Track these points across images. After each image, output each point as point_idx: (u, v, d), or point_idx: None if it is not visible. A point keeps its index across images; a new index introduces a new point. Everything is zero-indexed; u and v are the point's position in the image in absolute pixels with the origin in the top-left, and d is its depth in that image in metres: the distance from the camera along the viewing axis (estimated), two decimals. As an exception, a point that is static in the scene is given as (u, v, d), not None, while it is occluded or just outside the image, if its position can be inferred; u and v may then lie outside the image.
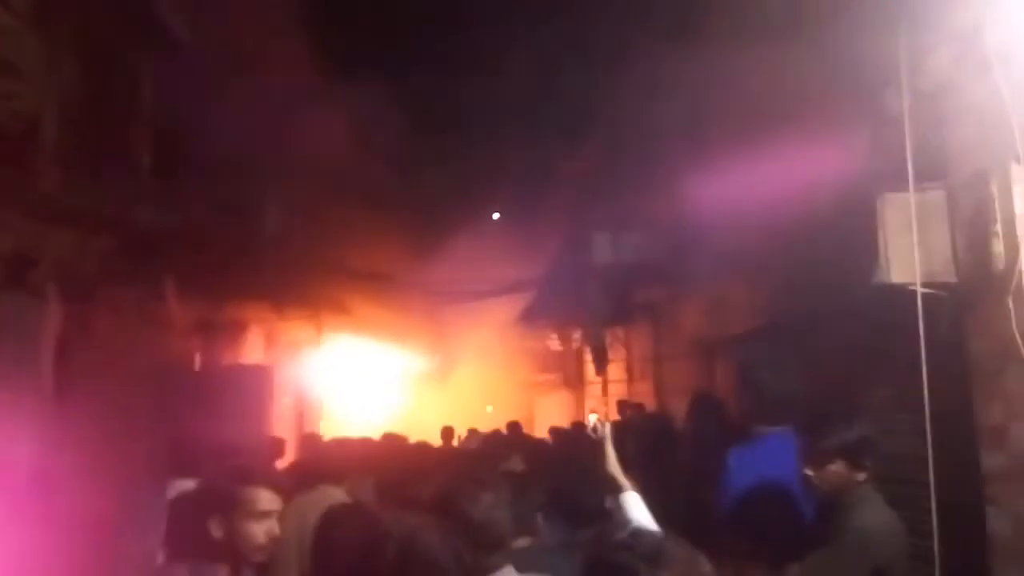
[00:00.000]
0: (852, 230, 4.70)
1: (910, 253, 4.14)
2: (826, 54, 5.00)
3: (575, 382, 17.48)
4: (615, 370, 14.02)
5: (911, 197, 4.20)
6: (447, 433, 11.63)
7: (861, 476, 3.40)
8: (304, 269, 12.67)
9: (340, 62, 12.73)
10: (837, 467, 3.38)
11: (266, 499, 2.91)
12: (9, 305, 7.65)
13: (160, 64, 9.42)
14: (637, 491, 3.91)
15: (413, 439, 10.33)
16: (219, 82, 9.85)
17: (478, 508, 2.88)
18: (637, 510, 3.57)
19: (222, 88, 9.92)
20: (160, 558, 3.87)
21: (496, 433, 9.63)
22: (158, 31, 9.38)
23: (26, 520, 5.06)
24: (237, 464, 3.16)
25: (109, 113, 8.53)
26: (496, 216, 19.23)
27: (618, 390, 13.95)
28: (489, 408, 17.74)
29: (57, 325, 7.76)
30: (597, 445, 3.95)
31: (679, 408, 9.11)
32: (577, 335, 15.72)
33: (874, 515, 3.33)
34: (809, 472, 3.44)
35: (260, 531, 2.87)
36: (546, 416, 15.19)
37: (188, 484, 4.32)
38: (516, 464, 5.90)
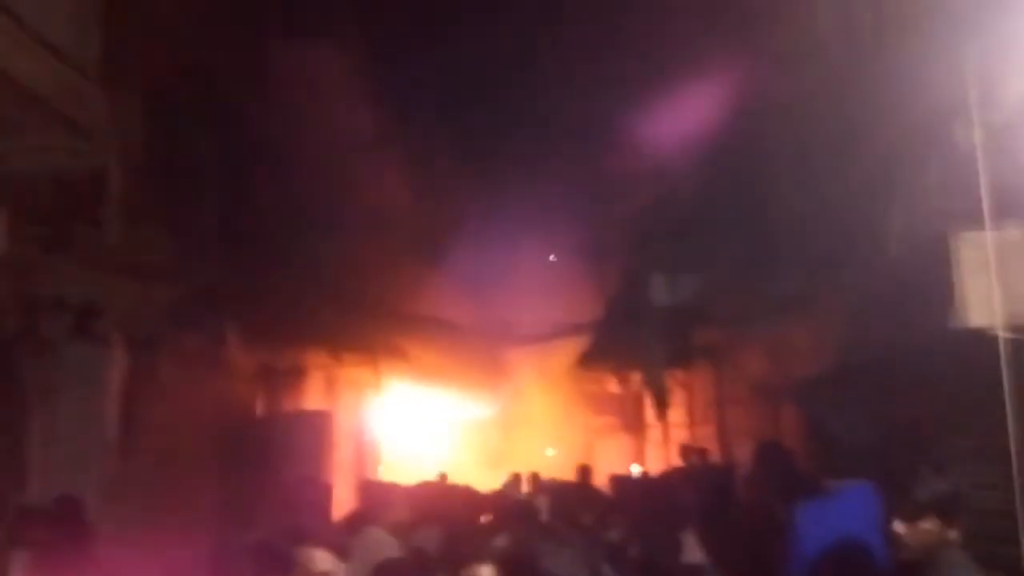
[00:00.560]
0: (923, 270, 4.50)
1: (989, 295, 3.92)
2: (891, 85, 4.84)
3: (635, 426, 17.16)
4: (676, 414, 13.73)
5: (988, 236, 4.00)
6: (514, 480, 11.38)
7: (953, 535, 3.09)
8: (362, 315, 12.78)
9: (395, 110, 12.93)
10: (930, 524, 3.05)
11: (320, 559, 2.87)
12: (77, 354, 7.86)
13: (222, 119, 9.69)
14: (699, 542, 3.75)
15: (474, 484, 10.23)
16: (278, 134, 10.09)
17: (558, 564, 2.81)
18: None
19: (282, 140, 10.17)
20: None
21: (567, 483, 9.46)
22: (220, 88, 9.65)
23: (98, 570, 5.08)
24: (293, 523, 3.13)
25: (172, 167, 8.77)
26: (553, 258, 19.17)
27: (679, 434, 13.65)
28: (550, 451, 17.50)
29: (123, 373, 7.93)
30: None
31: (742, 454, 8.84)
32: (636, 378, 15.47)
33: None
34: (900, 529, 3.10)
35: None
36: (605, 460, 14.88)
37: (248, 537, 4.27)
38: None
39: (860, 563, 3.49)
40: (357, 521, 5.15)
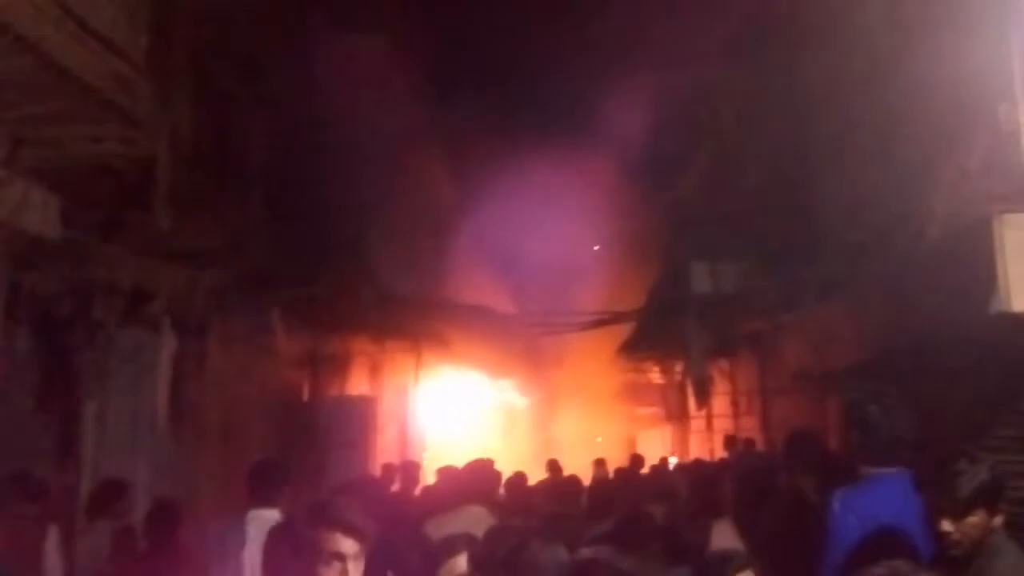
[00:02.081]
0: (965, 253, 4.41)
1: (1032, 279, 3.84)
2: (936, 68, 4.74)
3: (677, 415, 17.05)
4: (719, 404, 13.62)
5: (1032, 219, 3.92)
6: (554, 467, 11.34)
7: (999, 521, 3.05)
8: (406, 303, 12.90)
9: (441, 100, 13.02)
10: (977, 517, 3.00)
11: (340, 542, 2.85)
12: (128, 338, 8.08)
13: (270, 107, 9.86)
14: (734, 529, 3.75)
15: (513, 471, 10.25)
16: (325, 122, 10.24)
17: None
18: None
19: (328, 128, 10.31)
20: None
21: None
22: (267, 76, 9.81)
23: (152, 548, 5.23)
24: (316, 503, 3.16)
25: (221, 154, 8.95)
26: (596, 248, 19.14)
27: (722, 424, 13.54)
28: (599, 439, 17.49)
29: (173, 358, 8.13)
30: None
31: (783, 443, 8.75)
32: (679, 368, 15.37)
33: (1016, 566, 2.97)
34: (948, 527, 3.05)
35: (331, 573, 2.83)
36: (648, 450, 14.82)
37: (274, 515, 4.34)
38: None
39: (902, 547, 3.43)
40: (454, 499, 5.20)
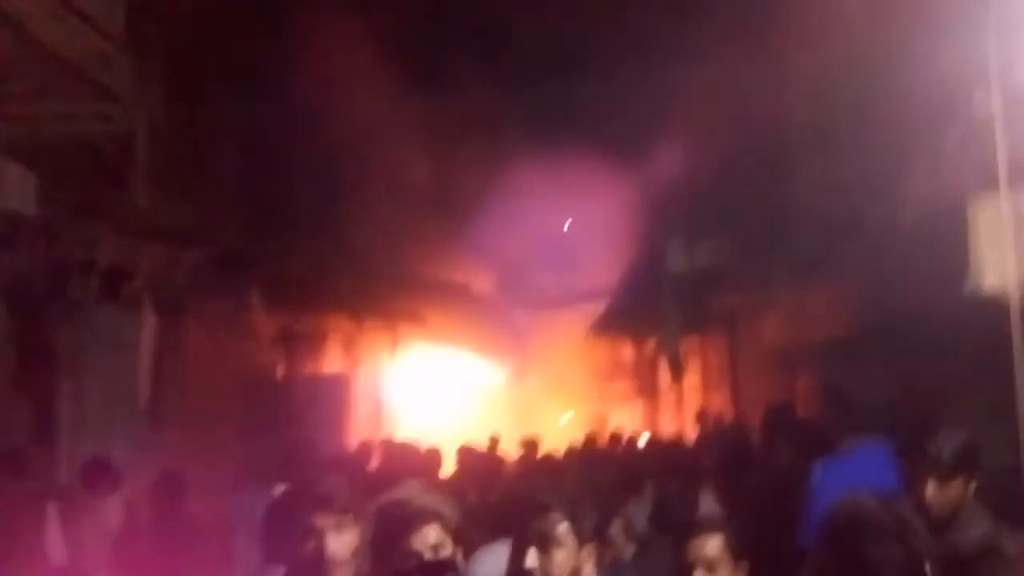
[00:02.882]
0: (940, 235, 4.58)
1: (1004, 260, 4.01)
2: (913, 56, 4.88)
3: (650, 391, 17.28)
4: (690, 380, 13.83)
5: (1004, 203, 4.08)
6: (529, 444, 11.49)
7: (974, 487, 3.15)
8: (381, 281, 12.91)
9: (418, 78, 12.97)
10: (957, 482, 3.12)
11: (315, 517, 2.91)
12: (105, 316, 8.04)
13: (246, 84, 9.77)
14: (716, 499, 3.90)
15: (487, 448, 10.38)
16: (303, 100, 10.17)
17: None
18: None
19: (306, 106, 10.25)
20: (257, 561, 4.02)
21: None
22: (244, 54, 9.72)
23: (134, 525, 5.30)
24: (310, 486, 3.21)
25: (198, 132, 8.88)
26: (568, 224, 19.23)
27: (694, 400, 13.76)
28: (567, 415, 17.69)
29: (152, 335, 8.11)
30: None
31: (757, 417, 8.96)
32: (651, 344, 15.57)
33: (991, 535, 3.09)
34: (933, 491, 2.93)
35: (308, 547, 2.90)
36: (619, 424, 15.04)
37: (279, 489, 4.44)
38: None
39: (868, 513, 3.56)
40: (393, 477, 5.29)
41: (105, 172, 7.32)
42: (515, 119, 15.15)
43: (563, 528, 2.79)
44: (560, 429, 15.51)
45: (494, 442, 11.03)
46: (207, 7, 8.76)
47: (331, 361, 13.78)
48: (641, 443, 11.47)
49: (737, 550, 2.82)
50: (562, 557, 2.76)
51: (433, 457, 6.63)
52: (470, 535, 4.19)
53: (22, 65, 5.88)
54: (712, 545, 2.79)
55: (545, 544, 2.78)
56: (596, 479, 6.75)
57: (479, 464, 7.21)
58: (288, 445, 10.20)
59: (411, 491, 4.80)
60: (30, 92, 6.26)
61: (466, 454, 7.35)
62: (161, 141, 7.71)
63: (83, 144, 7.09)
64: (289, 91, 10.14)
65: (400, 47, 12.47)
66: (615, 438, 10.76)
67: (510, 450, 10.85)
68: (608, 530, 4.11)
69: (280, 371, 12.24)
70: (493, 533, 3.64)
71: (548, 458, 8.47)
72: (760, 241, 8.50)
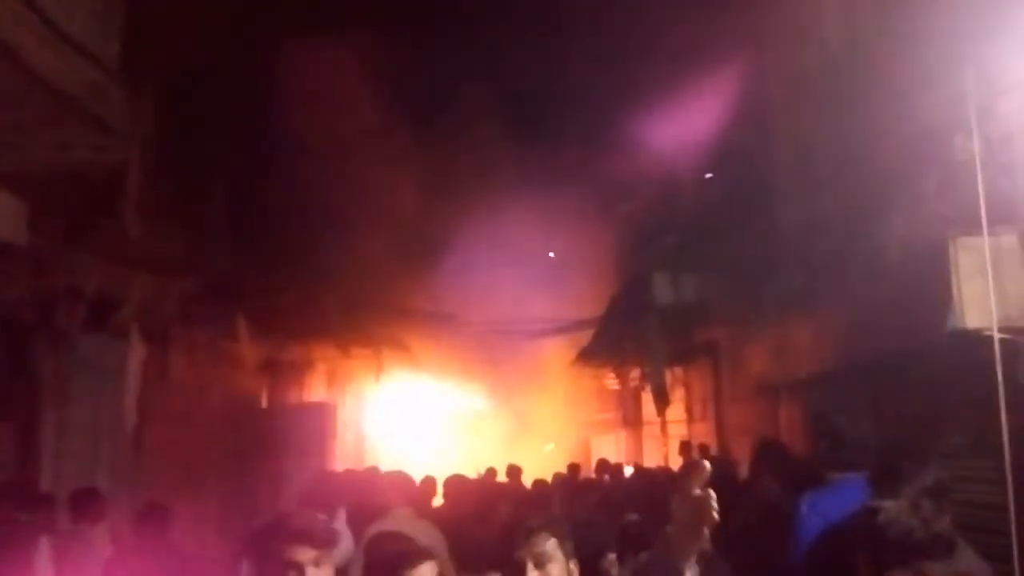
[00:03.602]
0: (922, 273, 4.69)
1: (985, 298, 4.12)
2: (893, 98, 5.03)
3: (633, 422, 17.34)
4: (675, 411, 13.89)
5: (985, 241, 4.19)
6: (514, 472, 11.49)
7: (947, 516, 3.27)
8: (366, 310, 12.94)
9: (400, 110, 13.12)
10: (925, 509, 3.25)
11: (296, 551, 2.92)
12: (92, 345, 8.01)
13: (234, 116, 9.85)
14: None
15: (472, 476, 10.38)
16: (289, 132, 10.27)
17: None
18: None
19: (292, 138, 10.34)
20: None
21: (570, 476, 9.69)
22: (233, 86, 9.80)
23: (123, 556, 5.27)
24: (287, 515, 3.23)
25: (188, 163, 8.92)
26: (552, 255, 19.36)
27: (678, 431, 13.81)
28: (549, 447, 17.69)
29: (138, 364, 8.08)
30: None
31: (741, 451, 9.03)
32: (635, 374, 15.64)
33: (970, 567, 3.19)
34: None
35: None
36: (602, 455, 15.07)
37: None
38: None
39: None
40: (385, 504, 5.30)
41: (96, 201, 7.32)
42: (503, 149, 15.31)
43: (552, 544, 3.20)
44: (544, 458, 15.51)
45: (486, 471, 11.04)
46: (200, 40, 8.84)
47: (316, 389, 13.77)
48: (627, 473, 11.53)
49: None
50: (556, 570, 3.17)
51: (426, 486, 6.64)
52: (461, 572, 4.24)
53: (16, 94, 5.89)
54: None
55: (540, 559, 3.17)
56: (580, 506, 6.82)
57: (468, 493, 7.24)
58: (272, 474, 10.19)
59: (403, 520, 4.85)
60: (23, 121, 6.27)
61: (455, 483, 7.36)
62: (152, 171, 7.73)
63: (75, 173, 7.08)
64: (276, 124, 10.24)
65: (389, 81, 12.61)
66: (600, 467, 10.83)
67: (495, 478, 10.87)
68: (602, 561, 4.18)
69: (264, 399, 12.22)
70: (486, 566, 3.69)
71: (534, 485, 8.51)
72: (745, 275, 8.62)
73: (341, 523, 4.89)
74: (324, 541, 3.01)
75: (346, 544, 4.45)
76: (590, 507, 6.83)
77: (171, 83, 8.40)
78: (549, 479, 9.37)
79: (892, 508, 3.18)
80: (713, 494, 4.23)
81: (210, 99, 9.66)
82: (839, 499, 4.23)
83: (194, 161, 9.33)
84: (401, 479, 5.61)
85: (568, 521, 3.74)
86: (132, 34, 7.03)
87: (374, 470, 10.82)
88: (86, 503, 5.43)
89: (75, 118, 6.37)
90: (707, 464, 4.51)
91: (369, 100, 12.55)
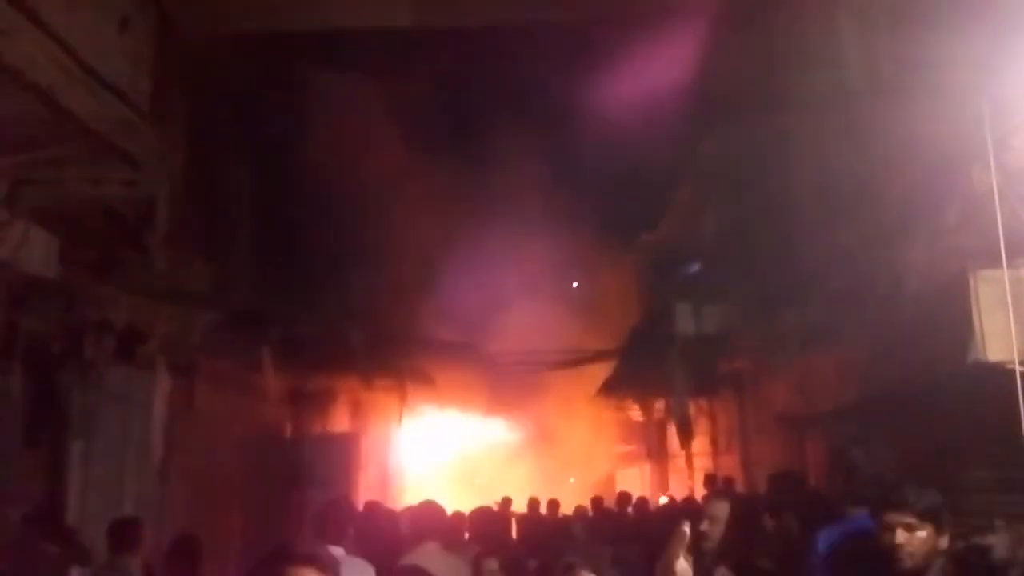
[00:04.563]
0: (942, 305, 4.66)
1: (1006, 330, 4.08)
2: (913, 130, 5.03)
3: (658, 454, 17.20)
4: (699, 443, 13.77)
5: (1005, 273, 4.17)
6: (553, 505, 11.37)
7: (945, 542, 3.28)
8: (390, 342, 13.01)
9: (424, 142, 13.27)
10: (924, 532, 3.25)
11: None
12: (119, 377, 8.12)
13: (260, 150, 10.04)
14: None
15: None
16: (315, 165, 10.43)
17: None
18: None
19: (316, 171, 10.50)
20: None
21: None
22: (259, 121, 10.00)
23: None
24: (280, 545, 3.23)
25: (212, 197, 9.09)
26: (575, 285, 19.39)
27: (703, 463, 13.69)
28: (571, 480, 17.59)
29: (165, 396, 8.19)
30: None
31: (765, 484, 8.92)
32: (660, 406, 15.54)
33: None
34: (901, 539, 3.26)
35: None
36: (627, 488, 14.95)
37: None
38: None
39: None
40: (414, 537, 5.27)
41: (125, 235, 7.48)
42: (528, 184, 15.41)
43: None
44: (568, 490, 15.41)
45: (502, 501, 11.03)
46: (227, 78, 9.05)
47: (340, 420, 13.82)
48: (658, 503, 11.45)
49: None
50: None
51: (456, 519, 6.59)
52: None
53: (49, 133, 6.06)
54: None
55: None
56: (604, 539, 6.76)
57: (495, 526, 7.18)
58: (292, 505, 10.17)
59: (431, 554, 4.82)
60: (56, 159, 6.45)
61: (481, 516, 7.32)
62: (180, 205, 7.89)
63: (105, 208, 7.25)
64: (301, 155, 10.41)
65: (415, 114, 12.78)
66: (623, 500, 10.75)
67: (519, 510, 10.83)
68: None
69: (290, 430, 12.28)
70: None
71: (559, 518, 8.46)
72: (767, 306, 8.58)
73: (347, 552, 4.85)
74: (327, 566, 3.00)
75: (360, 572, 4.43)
76: (616, 540, 6.78)
77: (199, 118, 8.60)
78: (575, 510, 9.32)
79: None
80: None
81: (238, 134, 9.87)
82: (858, 534, 4.18)
83: (220, 195, 9.51)
84: (431, 510, 5.52)
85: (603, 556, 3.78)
86: (162, 71, 7.23)
87: (411, 504, 10.81)
88: (127, 533, 5.32)
89: (106, 155, 6.55)
90: (725, 504, 4.44)
91: (394, 134, 12.72)
